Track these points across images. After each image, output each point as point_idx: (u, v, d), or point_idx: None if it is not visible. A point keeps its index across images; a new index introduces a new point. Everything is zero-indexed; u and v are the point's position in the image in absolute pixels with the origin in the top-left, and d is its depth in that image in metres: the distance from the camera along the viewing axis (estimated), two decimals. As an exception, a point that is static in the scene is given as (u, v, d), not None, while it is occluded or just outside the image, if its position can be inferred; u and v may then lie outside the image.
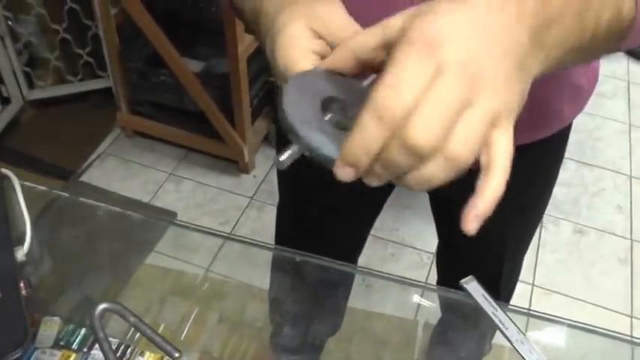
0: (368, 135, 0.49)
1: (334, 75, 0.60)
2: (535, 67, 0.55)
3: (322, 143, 0.54)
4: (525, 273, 2.46)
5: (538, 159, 1.07)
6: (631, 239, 2.63)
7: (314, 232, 1.30)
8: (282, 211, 1.44)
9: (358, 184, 0.55)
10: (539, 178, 1.17)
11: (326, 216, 1.27)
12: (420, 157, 0.49)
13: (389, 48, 0.54)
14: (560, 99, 0.99)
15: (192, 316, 1.04)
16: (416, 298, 1.07)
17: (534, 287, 2.43)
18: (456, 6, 0.51)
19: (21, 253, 0.91)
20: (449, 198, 0.78)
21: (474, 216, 0.51)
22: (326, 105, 0.58)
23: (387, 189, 1.29)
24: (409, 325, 1.10)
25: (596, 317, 2.31)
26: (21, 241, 0.93)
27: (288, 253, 1.05)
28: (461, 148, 0.49)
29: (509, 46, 0.52)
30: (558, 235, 2.64)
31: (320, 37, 0.62)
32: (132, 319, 0.86)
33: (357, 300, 1.10)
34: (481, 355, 1.06)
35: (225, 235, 1.19)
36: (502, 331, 0.87)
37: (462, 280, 0.94)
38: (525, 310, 0.96)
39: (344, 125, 0.56)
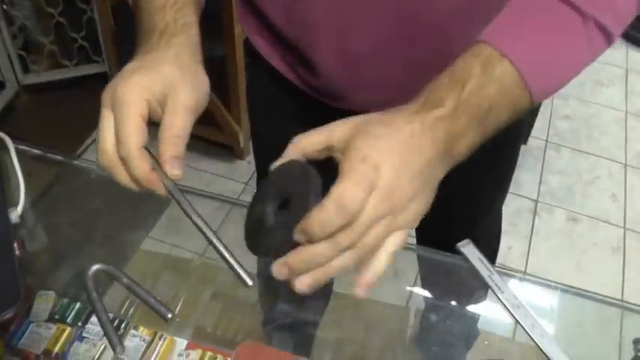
0: (327, 216, 0.62)
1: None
2: (442, 172, 0.71)
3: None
4: (518, 260, 2.49)
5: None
6: (624, 228, 2.64)
7: None
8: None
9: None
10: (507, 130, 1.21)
11: None
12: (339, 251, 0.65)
13: (331, 151, 0.70)
14: None
15: (186, 293, 1.04)
16: (407, 286, 1.07)
17: (526, 275, 2.43)
18: (388, 130, 0.67)
19: (15, 215, 0.92)
20: None
21: (363, 285, 0.68)
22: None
23: None
24: (401, 312, 1.10)
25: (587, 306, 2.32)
26: (15, 203, 0.94)
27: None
28: (371, 242, 0.66)
29: (422, 168, 0.67)
30: (551, 223, 2.64)
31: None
32: (125, 280, 0.87)
33: (349, 286, 1.10)
34: (470, 339, 1.07)
35: (232, 200, 1.19)
36: (497, 295, 0.86)
37: (459, 244, 0.93)
38: (519, 275, 0.96)
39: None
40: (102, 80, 2.80)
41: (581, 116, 3.10)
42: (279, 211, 0.71)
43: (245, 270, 0.69)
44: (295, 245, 0.65)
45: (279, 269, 0.66)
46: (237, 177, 2.71)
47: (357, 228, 0.63)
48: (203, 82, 0.78)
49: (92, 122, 2.53)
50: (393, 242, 0.68)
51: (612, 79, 3.33)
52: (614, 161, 2.92)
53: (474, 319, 1.02)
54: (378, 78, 0.99)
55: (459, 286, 1.01)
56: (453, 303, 1.01)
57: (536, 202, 2.69)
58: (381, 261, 0.67)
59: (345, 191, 0.62)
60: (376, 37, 0.92)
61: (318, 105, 1.08)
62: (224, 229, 1.08)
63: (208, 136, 2.73)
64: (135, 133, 0.69)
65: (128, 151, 0.69)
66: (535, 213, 2.65)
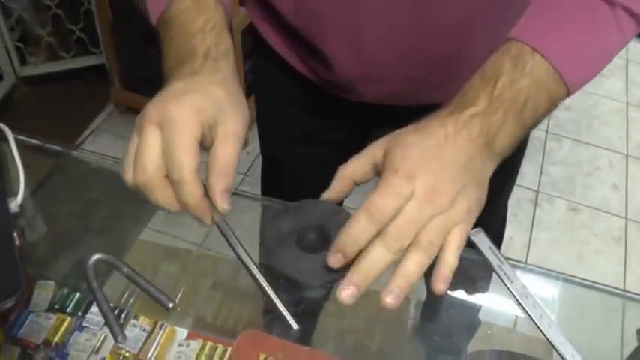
0: (358, 226, 0.66)
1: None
2: (489, 168, 0.73)
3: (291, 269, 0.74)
4: (519, 251, 2.48)
5: None
6: (626, 218, 2.64)
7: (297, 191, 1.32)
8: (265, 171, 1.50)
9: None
10: None
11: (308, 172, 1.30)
12: (395, 254, 0.67)
13: (377, 170, 0.73)
14: None
15: (186, 283, 1.03)
16: None
17: (527, 265, 2.43)
18: (421, 137, 0.70)
19: (15, 204, 0.91)
20: None
21: (442, 281, 0.69)
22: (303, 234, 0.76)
23: (359, 137, 1.32)
24: (401, 302, 1.09)
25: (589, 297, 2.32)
26: (15, 193, 0.93)
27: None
28: (429, 240, 0.67)
29: (462, 165, 0.69)
30: (552, 214, 2.64)
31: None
32: (125, 269, 0.86)
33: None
34: (471, 328, 1.06)
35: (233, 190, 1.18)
36: (506, 285, 0.86)
37: (470, 232, 0.93)
38: (523, 265, 0.97)
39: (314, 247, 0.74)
40: (100, 72, 2.81)
41: (581, 107, 3.09)
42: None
43: (289, 313, 0.72)
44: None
45: (347, 293, 0.68)
46: (237, 168, 2.68)
47: (401, 228, 0.66)
48: (246, 109, 0.75)
49: (90, 114, 2.54)
50: (454, 239, 0.69)
51: (612, 70, 3.33)
52: (615, 152, 2.92)
53: (475, 309, 1.02)
54: (390, 71, 0.98)
55: (460, 276, 1.01)
56: (454, 293, 0.99)
57: (537, 192, 2.69)
58: (449, 254, 0.69)
59: (374, 203, 0.65)
60: (388, 32, 0.91)
61: (326, 96, 1.08)
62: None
63: (207, 128, 2.73)
64: (191, 157, 0.66)
65: (182, 175, 0.66)
66: (536, 203, 2.66)
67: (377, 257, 0.66)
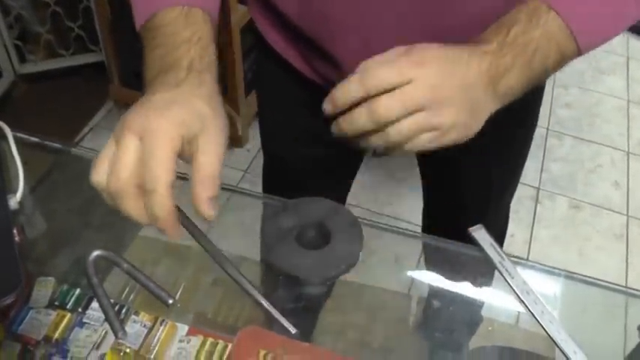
0: (351, 87, 0.74)
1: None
2: (489, 105, 0.78)
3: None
4: (520, 248, 2.49)
5: (519, 100, 1.11)
6: (627, 215, 2.64)
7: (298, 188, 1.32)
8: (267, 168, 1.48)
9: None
10: (520, 119, 1.21)
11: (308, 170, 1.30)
12: (375, 121, 0.73)
13: None
14: None
15: (186, 279, 1.04)
16: (410, 273, 1.07)
17: (529, 262, 2.43)
18: (442, 47, 0.76)
19: (14, 201, 0.93)
20: None
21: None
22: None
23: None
24: (403, 299, 1.10)
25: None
26: (14, 190, 0.95)
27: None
28: (394, 134, 0.74)
29: (466, 85, 0.75)
30: (554, 211, 2.65)
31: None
32: (125, 265, 0.86)
33: (351, 274, 1.10)
34: (473, 325, 1.07)
35: (232, 187, 1.19)
36: (508, 281, 0.87)
37: (471, 229, 0.94)
38: (525, 261, 0.97)
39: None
40: (99, 69, 2.81)
41: (582, 104, 3.10)
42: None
43: (287, 313, 0.76)
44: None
45: (326, 105, 0.77)
46: (236, 165, 2.70)
47: (387, 103, 0.73)
48: (227, 123, 0.75)
49: (89, 111, 2.53)
50: (425, 137, 0.75)
51: (613, 68, 3.33)
52: (617, 149, 2.92)
53: (477, 305, 1.03)
54: None
55: (462, 273, 1.01)
56: (456, 289, 1.02)
57: (538, 189, 2.69)
58: (399, 128, 0.74)
59: (372, 68, 0.74)
60: (399, 35, 0.89)
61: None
62: (224, 216, 1.09)
63: (207, 125, 2.72)
64: (167, 170, 0.66)
65: (155, 186, 0.65)
66: (537, 201, 2.66)
67: (359, 117, 0.74)
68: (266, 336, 0.90)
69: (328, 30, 0.95)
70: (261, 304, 0.73)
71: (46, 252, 1.08)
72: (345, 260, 0.74)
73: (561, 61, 0.79)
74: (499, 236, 1.49)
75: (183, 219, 0.76)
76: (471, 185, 1.28)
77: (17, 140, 1.03)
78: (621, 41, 3.47)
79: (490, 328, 1.02)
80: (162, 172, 0.65)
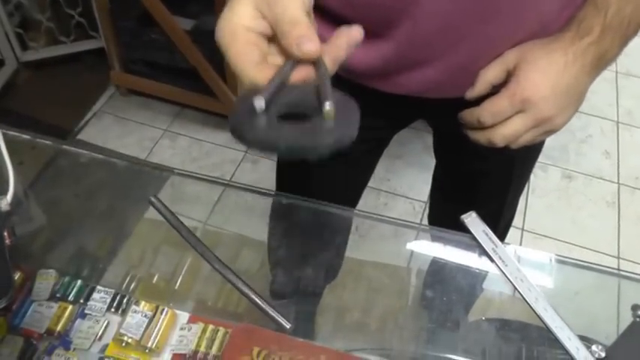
0: (472, 116, 0.91)
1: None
2: (591, 83, 0.89)
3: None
4: (515, 218, 2.48)
5: None
6: (618, 183, 2.67)
7: (314, 183, 1.28)
8: (281, 165, 1.42)
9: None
10: None
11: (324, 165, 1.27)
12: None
13: (508, 73, 0.89)
14: None
15: (186, 266, 1.04)
16: (409, 245, 1.07)
17: (524, 232, 2.48)
18: (546, 65, 0.85)
19: (4, 203, 0.91)
20: (457, 133, 1.00)
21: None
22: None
23: (384, 137, 1.30)
24: (402, 273, 1.10)
25: (585, 259, 2.34)
26: (4, 191, 0.92)
27: (286, 198, 1.06)
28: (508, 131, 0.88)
29: (573, 90, 0.86)
30: (547, 181, 2.67)
31: (264, 17, 0.65)
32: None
33: (350, 249, 1.10)
34: (473, 297, 1.06)
35: (225, 181, 1.18)
36: (501, 268, 0.87)
37: (463, 216, 0.93)
38: (517, 247, 0.97)
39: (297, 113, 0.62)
40: (100, 55, 2.82)
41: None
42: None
43: (279, 314, 0.74)
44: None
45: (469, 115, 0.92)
46: (237, 146, 2.74)
47: (499, 131, 0.89)
48: None
49: (92, 97, 2.55)
50: (528, 136, 0.89)
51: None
52: (606, 119, 2.93)
53: (476, 278, 1.03)
54: (443, 57, 0.94)
55: (461, 245, 1.00)
56: (455, 263, 1.01)
57: (531, 161, 2.70)
58: (505, 129, 0.88)
59: (486, 107, 0.88)
60: (448, 12, 0.86)
61: (352, 87, 1.01)
62: (220, 206, 1.11)
63: (206, 107, 2.76)
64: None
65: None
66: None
67: (482, 139, 0.92)
68: (260, 333, 0.89)
69: (377, 16, 0.89)
70: (254, 301, 0.73)
71: (46, 244, 1.08)
72: (342, 130, 0.60)
73: None
74: (507, 223, 1.48)
75: (173, 219, 0.76)
76: (494, 177, 1.27)
77: (10, 139, 1.00)
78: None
79: (488, 300, 1.03)
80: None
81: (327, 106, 0.58)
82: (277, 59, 0.66)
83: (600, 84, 3.07)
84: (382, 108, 1.06)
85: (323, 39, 0.98)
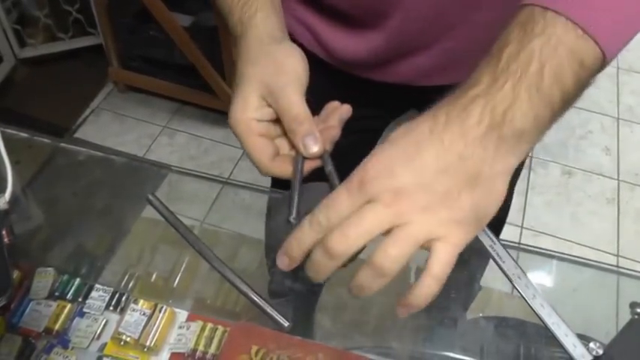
0: (303, 234, 0.59)
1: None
2: (502, 159, 0.57)
3: None
4: (514, 216, 2.49)
5: None
6: (618, 179, 2.67)
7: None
8: None
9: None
10: None
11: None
12: (337, 260, 0.58)
13: None
14: None
15: (185, 264, 1.04)
16: None
17: (523, 229, 2.47)
18: (402, 134, 0.59)
19: (2, 202, 0.90)
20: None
21: (403, 305, 0.61)
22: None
23: (376, 128, 1.28)
24: (401, 270, 1.10)
25: (584, 256, 2.33)
26: (2, 190, 0.91)
27: (282, 195, 1.04)
28: (382, 259, 0.57)
29: (446, 166, 0.56)
30: (546, 178, 2.67)
31: (269, 105, 0.73)
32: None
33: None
34: (472, 294, 1.07)
35: (223, 179, 1.19)
36: (499, 265, 0.83)
37: None
38: (516, 245, 0.95)
39: None
40: (98, 52, 2.82)
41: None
42: None
43: (277, 312, 0.74)
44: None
45: (280, 260, 0.62)
46: (235, 143, 2.66)
47: (340, 234, 0.57)
48: (294, 51, 0.75)
49: (90, 93, 2.55)
50: (432, 260, 0.59)
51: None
52: (606, 115, 2.93)
53: (474, 275, 1.02)
54: (433, 45, 0.94)
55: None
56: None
57: (531, 157, 2.71)
58: (419, 282, 0.59)
59: (318, 211, 0.59)
60: (436, 1, 0.86)
61: (343, 77, 1.04)
62: (218, 204, 1.11)
63: (205, 103, 2.76)
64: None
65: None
66: (530, 168, 2.68)
67: (320, 261, 0.59)
68: (258, 331, 0.89)
69: (368, 8, 0.91)
70: (253, 300, 0.74)
71: (44, 243, 1.07)
72: None
73: (582, 72, 0.57)
74: (502, 216, 1.45)
75: (171, 217, 0.78)
76: None
77: (7, 137, 0.98)
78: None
79: (488, 297, 1.03)
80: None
81: None
82: (285, 144, 0.75)
83: (601, 80, 3.04)
84: (373, 97, 1.07)
85: (313, 28, 1.01)
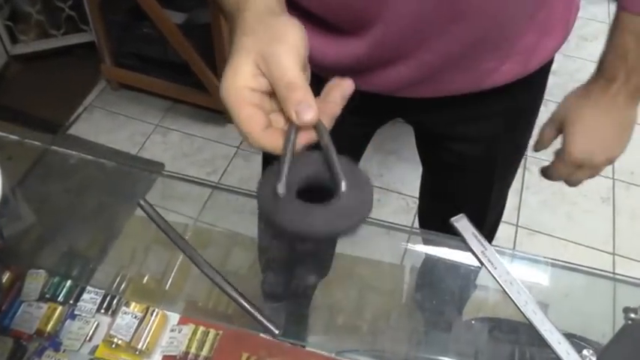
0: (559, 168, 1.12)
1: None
2: (634, 113, 1.02)
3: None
4: (509, 214, 2.49)
5: (522, 95, 1.13)
6: (613, 178, 2.67)
7: None
8: (267, 160, 1.43)
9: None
10: (524, 113, 1.24)
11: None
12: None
13: (560, 129, 1.10)
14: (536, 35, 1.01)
15: (177, 267, 1.04)
16: (402, 243, 1.07)
17: (518, 228, 2.47)
18: (587, 121, 1.04)
19: None
20: (434, 132, 1.17)
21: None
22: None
23: (363, 134, 1.30)
24: (396, 270, 1.11)
25: (580, 256, 2.34)
26: None
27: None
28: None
29: (621, 131, 1.04)
30: (541, 177, 2.64)
31: (263, 75, 0.67)
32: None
33: (344, 246, 1.09)
34: (467, 295, 1.06)
35: (213, 184, 1.18)
36: (490, 271, 0.86)
37: (453, 218, 0.91)
38: (509, 251, 0.95)
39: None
40: (91, 49, 2.81)
41: (566, 71, 3.09)
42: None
43: (268, 318, 0.73)
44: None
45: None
46: (229, 141, 2.73)
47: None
48: (293, 23, 0.70)
49: (83, 90, 2.53)
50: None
51: (595, 34, 3.32)
52: (602, 114, 2.90)
53: (470, 276, 1.02)
54: (414, 56, 0.95)
55: (454, 242, 0.98)
56: (450, 260, 1.00)
57: (525, 157, 2.69)
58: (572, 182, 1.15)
59: (557, 168, 1.13)
60: (416, 13, 0.87)
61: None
62: (210, 203, 1.10)
63: (198, 102, 2.75)
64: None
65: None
66: (525, 167, 2.68)
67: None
68: (249, 338, 0.90)
69: (350, 17, 0.90)
70: (244, 307, 0.73)
71: (35, 244, 1.07)
72: (359, 211, 0.65)
73: None
74: (494, 222, 1.48)
75: (162, 222, 0.77)
76: (475, 176, 1.27)
77: None
78: (602, 9, 3.46)
79: (482, 298, 1.03)
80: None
81: (343, 187, 0.64)
82: (280, 119, 0.68)
83: (594, 79, 3.06)
84: (358, 106, 1.05)
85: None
